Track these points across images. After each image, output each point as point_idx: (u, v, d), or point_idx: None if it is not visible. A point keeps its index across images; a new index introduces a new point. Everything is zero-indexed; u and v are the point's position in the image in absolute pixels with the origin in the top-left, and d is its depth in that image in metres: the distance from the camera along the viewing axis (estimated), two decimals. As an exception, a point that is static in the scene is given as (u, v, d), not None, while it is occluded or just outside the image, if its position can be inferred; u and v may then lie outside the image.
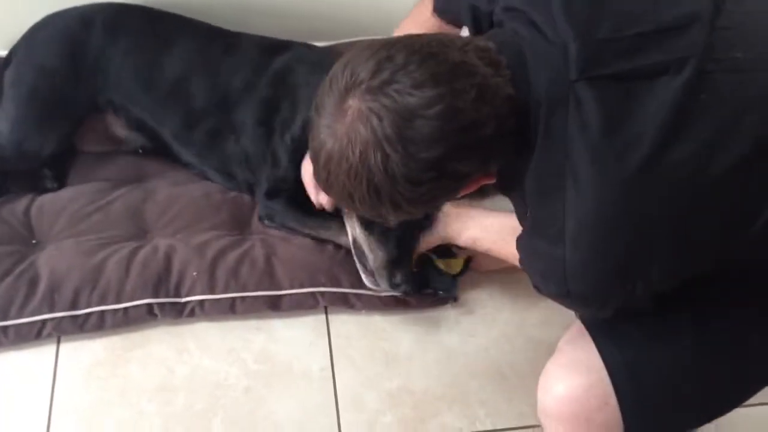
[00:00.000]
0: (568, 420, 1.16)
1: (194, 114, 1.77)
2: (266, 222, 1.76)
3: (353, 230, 1.64)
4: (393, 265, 1.60)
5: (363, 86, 0.94)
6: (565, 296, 1.07)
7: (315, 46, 1.86)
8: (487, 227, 1.57)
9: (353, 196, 1.00)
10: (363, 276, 1.65)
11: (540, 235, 1.06)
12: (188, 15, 1.86)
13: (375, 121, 0.93)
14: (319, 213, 1.68)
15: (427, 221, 1.64)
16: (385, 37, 1.07)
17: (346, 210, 1.64)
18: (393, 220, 1.05)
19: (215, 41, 1.80)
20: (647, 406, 1.14)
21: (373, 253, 1.61)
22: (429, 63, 0.94)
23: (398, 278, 1.60)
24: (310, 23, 2.03)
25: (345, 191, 1.00)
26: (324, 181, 1.03)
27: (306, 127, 1.66)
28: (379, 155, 0.94)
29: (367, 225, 1.60)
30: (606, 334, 1.16)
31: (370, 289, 1.67)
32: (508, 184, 1.15)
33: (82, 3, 1.81)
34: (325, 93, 0.99)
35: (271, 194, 1.74)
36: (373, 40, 1.01)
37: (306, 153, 1.67)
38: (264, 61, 1.76)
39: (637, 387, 1.13)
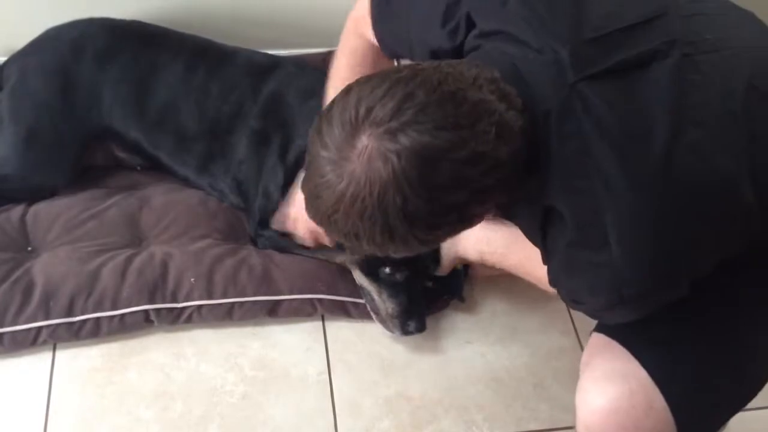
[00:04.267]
0: None
1: (187, 139, 1.77)
2: (260, 246, 1.75)
3: (359, 278, 1.65)
4: (405, 315, 1.61)
5: (382, 127, 0.90)
6: (616, 304, 1.04)
7: (304, 65, 1.84)
8: (491, 240, 1.54)
9: (360, 236, 0.95)
10: (375, 319, 1.66)
11: (581, 245, 1.02)
12: (182, 29, 1.86)
13: (395, 162, 0.89)
14: None
15: (436, 265, 1.65)
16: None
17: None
18: (393, 256, 1.02)
19: (202, 63, 1.78)
20: (694, 397, 1.12)
21: (384, 304, 1.62)
22: (450, 103, 0.91)
23: (411, 326, 1.62)
24: (305, 32, 2.04)
25: (351, 231, 0.95)
26: (325, 219, 0.97)
27: (299, 162, 1.68)
28: (399, 198, 0.90)
29: (373, 275, 1.62)
30: (633, 336, 1.15)
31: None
32: (515, 210, 1.13)
33: (80, 15, 1.80)
34: (331, 124, 0.94)
35: (263, 225, 1.75)
36: (384, 70, 0.98)
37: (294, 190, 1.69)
38: (252, 88, 1.75)
39: (679, 380, 1.11)
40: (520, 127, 0.95)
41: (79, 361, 1.58)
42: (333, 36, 1.53)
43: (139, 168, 1.87)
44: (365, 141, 0.91)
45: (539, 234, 1.10)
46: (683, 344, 1.14)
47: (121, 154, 1.83)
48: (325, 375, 1.62)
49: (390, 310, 1.62)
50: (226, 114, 1.74)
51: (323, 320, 1.70)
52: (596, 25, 1.02)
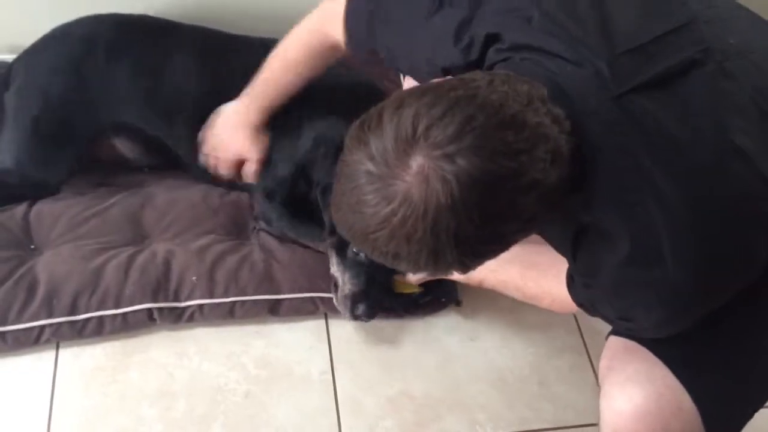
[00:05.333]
0: None
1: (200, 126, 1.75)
2: (261, 224, 1.75)
3: (330, 260, 1.65)
4: (357, 297, 1.59)
5: (440, 150, 0.86)
6: (670, 318, 1.04)
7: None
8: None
9: (401, 256, 0.92)
10: (333, 298, 1.65)
11: (635, 262, 1.00)
12: (193, 22, 1.85)
13: (455, 185, 0.86)
14: (312, 223, 1.69)
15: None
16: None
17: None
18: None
19: (212, 53, 1.77)
20: (720, 398, 1.11)
21: (345, 285, 1.61)
22: (511, 128, 0.88)
23: (359, 310, 1.60)
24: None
25: (392, 252, 0.92)
26: (361, 236, 0.93)
27: (305, 137, 1.68)
28: (453, 223, 0.87)
29: (342, 255, 1.61)
30: (656, 339, 1.14)
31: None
32: (551, 227, 1.11)
33: (86, 12, 1.78)
34: (380, 136, 0.89)
35: (269, 195, 1.74)
36: (436, 83, 0.95)
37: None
38: (250, 71, 1.73)
39: (706, 381, 1.11)
40: (569, 150, 0.93)
41: (82, 360, 1.58)
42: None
43: (146, 170, 1.86)
44: (421, 161, 0.87)
45: (570, 252, 1.09)
46: (706, 346, 1.13)
47: (132, 154, 1.82)
48: (328, 374, 1.62)
49: (347, 290, 1.60)
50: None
51: (326, 319, 1.70)
52: (627, 37, 1.00)
